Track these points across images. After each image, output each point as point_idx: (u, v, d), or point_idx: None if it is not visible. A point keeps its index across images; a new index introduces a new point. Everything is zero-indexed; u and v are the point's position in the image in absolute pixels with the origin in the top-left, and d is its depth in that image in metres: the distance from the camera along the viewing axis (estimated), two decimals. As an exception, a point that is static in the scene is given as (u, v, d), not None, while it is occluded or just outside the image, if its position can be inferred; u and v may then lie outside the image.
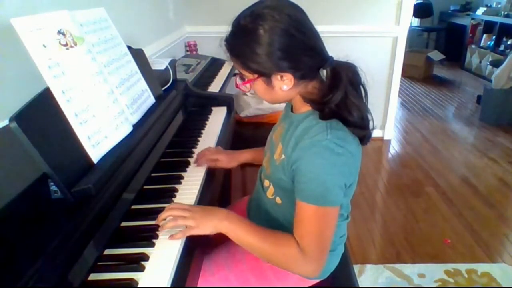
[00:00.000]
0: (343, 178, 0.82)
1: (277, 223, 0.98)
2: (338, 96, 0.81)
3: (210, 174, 1.14)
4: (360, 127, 0.83)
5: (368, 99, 0.87)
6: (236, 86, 0.90)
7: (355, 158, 0.83)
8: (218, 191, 1.21)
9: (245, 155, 1.22)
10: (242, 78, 0.88)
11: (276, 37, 0.78)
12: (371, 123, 0.87)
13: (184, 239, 0.83)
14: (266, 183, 0.99)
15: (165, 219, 0.85)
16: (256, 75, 0.84)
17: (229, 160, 1.19)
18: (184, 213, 0.84)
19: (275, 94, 0.87)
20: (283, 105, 1.03)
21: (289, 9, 0.81)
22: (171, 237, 0.82)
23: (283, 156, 0.88)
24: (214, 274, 1.02)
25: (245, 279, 1.01)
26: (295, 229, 0.84)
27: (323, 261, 0.84)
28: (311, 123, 0.83)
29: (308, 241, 0.82)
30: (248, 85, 0.87)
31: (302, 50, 0.81)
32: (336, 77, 0.82)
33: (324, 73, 0.84)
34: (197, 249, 0.86)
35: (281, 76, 0.82)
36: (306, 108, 0.88)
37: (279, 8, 0.79)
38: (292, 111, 0.94)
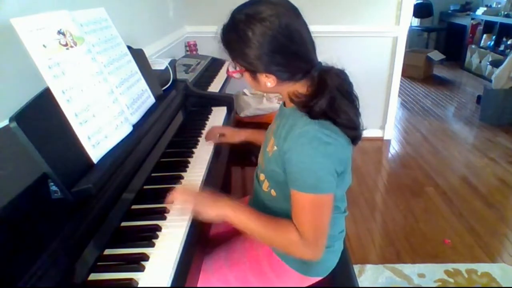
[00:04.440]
0: (333, 165, 0.83)
1: (275, 215, 0.99)
2: (323, 102, 0.82)
3: (210, 174, 1.14)
4: (349, 127, 0.85)
5: (359, 104, 0.89)
6: (227, 72, 0.97)
7: (344, 148, 0.85)
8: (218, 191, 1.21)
9: (247, 133, 1.29)
10: (234, 66, 0.92)
11: (265, 42, 0.80)
12: (361, 125, 0.89)
13: (184, 239, 0.83)
14: (262, 177, 1.01)
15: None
16: (243, 68, 0.88)
17: (233, 135, 1.30)
18: (192, 198, 0.89)
19: (261, 87, 0.91)
20: None
21: (283, 12, 0.81)
22: (181, 211, 0.90)
23: (275, 148, 0.91)
24: (214, 273, 1.02)
25: (245, 278, 1.02)
26: (293, 217, 0.86)
27: (322, 246, 0.86)
28: (301, 114, 0.85)
29: (306, 228, 0.84)
30: (239, 74, 0.92)
31: (288, 56, 0.83)
32: (322, 83, 0.84)
33: (311, 76, 0.86)
34: (197, 249, 0.86)
35: (266, 75, 0.86)
36: None
37: (273, 12, 0.80)
38: (285, 105, 0.97)
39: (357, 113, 0.88)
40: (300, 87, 0.88)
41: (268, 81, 0.87)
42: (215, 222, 0.90)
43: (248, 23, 0.81)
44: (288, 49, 0.83)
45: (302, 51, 0.85)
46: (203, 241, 0.91)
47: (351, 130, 0.85)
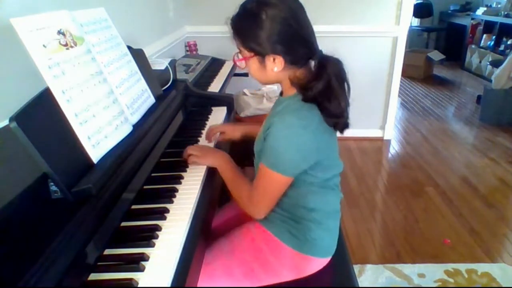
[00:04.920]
0: (298, 155, 0.93)
1: None
2: (320, 84, 0.91)
3: (210, 174, 1.14)
4: (334, 114, 0.93)
5: (350, 94, 0.97)
6: (233, 61, 1.03)
7: (317, 141, 0.94)
8: (218, 191, 1.21)
9: (246, 127, 1.35)
10: (239, 55, 1.00)
11: (276, 24, 0.90)
12: (347, 113, 0.98)
13: (184, 239, 0.84)
14: (256, 159, 1.09)
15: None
16: (252, 54, 0.95)
17: (233, 130, 1.34)
18: (197, 152, 1.13)
19: (266, 74, 0.98)
20: None
21: (291, 2, 0.93)
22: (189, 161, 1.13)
23: (263, 130, 1.00)
24: (216, 264, 1.06)
25: (246, 263, 1.05)
26: (254, 180, 1.02)
27: (261, 208, 1.02)
28: (291, 102, 0.96)
29: (255, 191, 1.00)
30: (243, 62, 0.99)
31: (295, 39, 0.93)
32: (322, 68, 0.93)
33: (312, 63, 0.96)
34: (197, 249, 0.86)
35: (274, 59, 0.94)
36: (292, 91, 0.98)
37: (283, 0, 0.91)
38: (281, 95, 1.06)
39: (347, 102, 0.96)
40: (302, 73, 0.97)
41: (275, 65, 0.94)
42: (211, 166, 1.13)
43: (260, 7, 0.90)
44: (296, 33, 0.92)
45: (307, 37, 0.94)
46: (203, 241, 0.91)
47: (335, 118, 0.94)
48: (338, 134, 1.02)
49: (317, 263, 1.07)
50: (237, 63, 1.01)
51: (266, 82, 1.04)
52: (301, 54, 0.95)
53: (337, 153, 1.06)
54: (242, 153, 1.42)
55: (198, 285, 0.98)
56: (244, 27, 0.94)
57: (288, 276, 1.06)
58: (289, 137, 0.91)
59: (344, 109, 0.94)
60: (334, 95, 0.92)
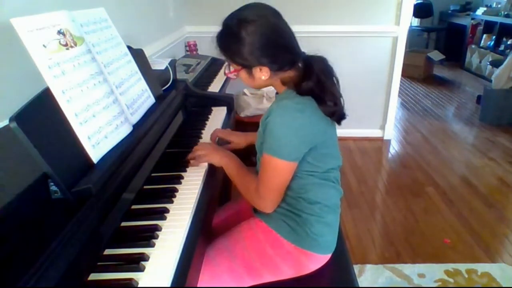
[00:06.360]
0: (297, 138, 0.96)
1: None
2: (311, 82, 0.97)
3: (210, 174, 1.14)
4: (330, 104, 0.98)
5: (340, 87, 1.03)
6: (225, 74, 1.09)
7: (313, 124, 0.98)
8: (218, 191, 1.22)
9: (250, 136, 1.33)
10: (230, 68, 1.06)
11: (256, 39, 0.95)
12: (342, 103, 1.03)
13: (184, 239, 0.84)
14: (258, 155, 1.12)
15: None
16: (240, 67, 1.02)
17: (240, 141, 1.33)
18: (204, 151, 1.14)
19: (256, 82, 1.04)
20: None
21: (268, 14, 0.98)
22: (192, 163, 1.14)
23: (264, 118, 1.03)
24: (219, 262, 1.06)
25: (248, 260, 1.06)
26: (258, 172, 1.05)
27: (269, 201, 1.03)
28: (287, 92, 1.01)
29: (261, 183, 1.01)
30: (234, 74, 1.05)
31: (277, 49, 0.99)
32: (308, 67, 0.99)
33: (298, 65, 1.02)
34: (198, 248, 0.86)
35: (260, 69, 1.00)
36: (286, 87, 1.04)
37: (260, 14, 0.96)
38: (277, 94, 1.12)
39: (339, 93, 1.01)
40: (291, 73, 1.02)
41: (262, 74, 1.00)
42: (216, 165, 1.14)
43: (240, 25, 0.95)
44: (275, 43, 0.97)
45: (287, 44, 1.00)
46: (203, 241, 0.91)
47: (331, 107, 0.98)
48: (337, 131, 1.06)
49: (317, 260, 1.07)
50: (229, 75, 1.08)
51: (258, 88, 1.09)
52: (285, 61, 1.00)
53: (336, 144, 1.09)
54: (242, 153, 1.42)
55: (200, 284, 0.99)
56: (228, 44, 1.00)
57: (289, 273, 1.07)
58: (286, 121, 0.95)
59: (338, 98, 1.00)
60: (327, 89, 0.98)
